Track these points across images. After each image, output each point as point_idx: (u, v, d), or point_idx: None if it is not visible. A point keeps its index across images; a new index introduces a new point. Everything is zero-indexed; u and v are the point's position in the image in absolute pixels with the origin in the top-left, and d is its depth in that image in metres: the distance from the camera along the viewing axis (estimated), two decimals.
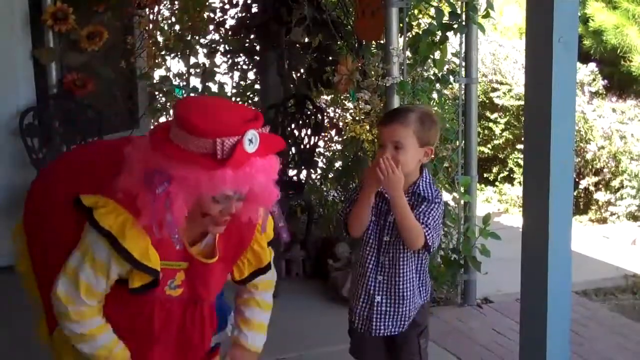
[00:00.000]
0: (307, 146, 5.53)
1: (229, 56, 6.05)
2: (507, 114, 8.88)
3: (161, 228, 2.30)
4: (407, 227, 2.94)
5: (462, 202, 4.95)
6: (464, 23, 4.82)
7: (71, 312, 2.42)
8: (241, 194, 2.34)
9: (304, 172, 5.73)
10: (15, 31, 5.40)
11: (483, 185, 8.87)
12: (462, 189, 4.88)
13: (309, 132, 5.52)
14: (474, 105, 5.02)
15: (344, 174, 5.73)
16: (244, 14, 6.07)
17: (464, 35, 4.88)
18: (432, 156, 3.04)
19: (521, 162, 8.40)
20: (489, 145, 8.98)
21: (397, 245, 3.03)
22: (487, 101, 8.96)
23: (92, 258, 2.38)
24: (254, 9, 6.01)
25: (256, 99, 6.35)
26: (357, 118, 4.78)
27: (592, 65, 8.88)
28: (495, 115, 8.95)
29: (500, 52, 9.21)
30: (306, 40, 5.83)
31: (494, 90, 8.92)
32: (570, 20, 3.41)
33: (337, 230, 5.77)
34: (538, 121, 3.45)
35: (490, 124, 8.95)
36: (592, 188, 8.06)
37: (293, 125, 5.66)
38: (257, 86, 6.31)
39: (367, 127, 4.74)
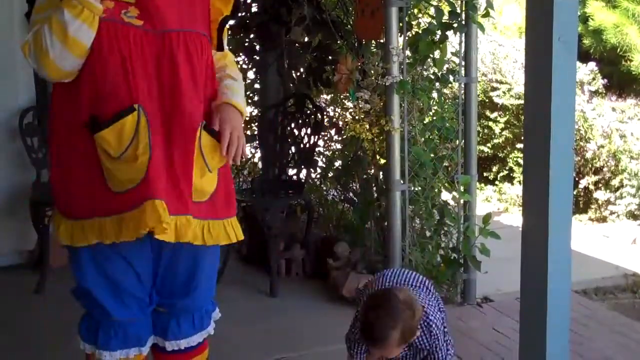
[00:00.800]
0: (307, 145, 5.52)
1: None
2: (507, 113, 8.88)
3: None
4: None
5: (461, 201, 4.95)
6: (463, 22, 4.82)
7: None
8: None
9: (304, 172, 5.72)
10: (15, 31, 5.40)
11: (483, 185, 8.88)
12: (461, 188, 4.88)
13: (308, 131, 5.52)
14: (474, 104, 5.01)
15: (344, 174, 5.73)
16: (243, 14, 6.07)
17: (463, 34, 4.88)
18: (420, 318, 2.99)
19: (521, 161, 8.40)
20: (488, 145, 8.99)
21: None
22: (487, 100, 8.97)
23: (41, 2, 2.50)
24: (254, 9, 6.01)
25: (256, 98, 6.35)
26: (356, 117, 4.77)
27: (592, 65, 8.88)
28: (495, 114, 8.95)
29: (500, 52, 9.21)
30: (306, 39, 5.84)
31: (494, 89, 8.92)
32: (570, 20, 3.41)
33: (337, 230, 5.78)
34: (538, 120, 3.45)
35: (490, 123, 8.95)
36: (591, 187, 8.05)
37: (293, 125, 5.66)
38: (256, 85, 6.30)
39: (367, 126, 4.73)
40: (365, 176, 5.42)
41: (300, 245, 5.50)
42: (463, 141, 4.98)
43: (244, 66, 6.16)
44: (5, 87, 5.40)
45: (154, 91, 2.54)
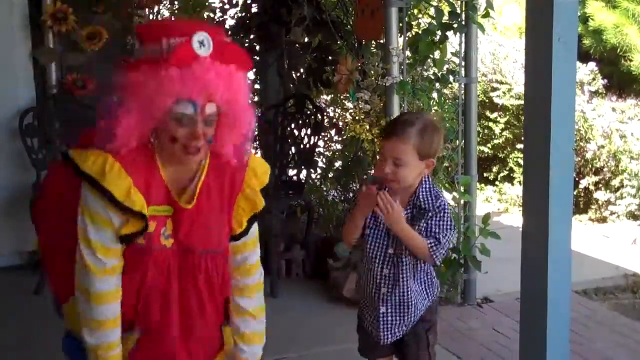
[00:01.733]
0: (307, 146, 5.52)
1: None
2: (507, 113, 8.87)
3: (113, 139, 2.24)
4: (413, 248, 2.93)
5: (462, 201, 4.95)
6: (463, 22, 4.82)
7: (96, 284, 2.35)
8: (203, 109, 2.23)
9: (304, 172, 5.72)
10: (15, 31, 5.41)
11: (483, 185, 8.87)
12: (462, 189, 4.88)
13: (308, 131, 5.51)
14: (474, 104, 5.02)
15: (344, 174, 5.73)
16: (243, 14, 6.07)
17: (463, 34, 4.88)
18: (434, 165, 2.97)
19: (521, 161, 8.38)
20: (488, 145, 8.98)
21: (400, 257, 2.99)
22: (487, 100, 8.96)
23: (89, 212, 2.31)
24: (254, 9, 6.01)
25: (256, 99, 6.34)
26: (356, 118, 4.78)
27: (592, 65, 8.88)
28: (495, 114, 8.94)
29: (500, 52, 9.21)
30: (306, 40, 5.84)
31: (494, 89, 8.92)
32: (570, 20, 3.43)
33: (337, 230, 5.78)
34: (538, 120, 3.46)
35: (490, 124, 8.94)
36: (592, 187, 8.05)
37: (293, 125, 5.65)
38: (256, 86, 6.30)
39: (367, 127, 4.73)
40: (365, 176, 5.42)
41: (300, 245, 5.50)
42: (463, 141, 4.98)
43: None
44: (6, 88, 5.40)
45: (168, 317, 2.49)
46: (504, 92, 8.82)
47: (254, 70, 6.15)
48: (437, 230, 2.92)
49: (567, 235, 3.50)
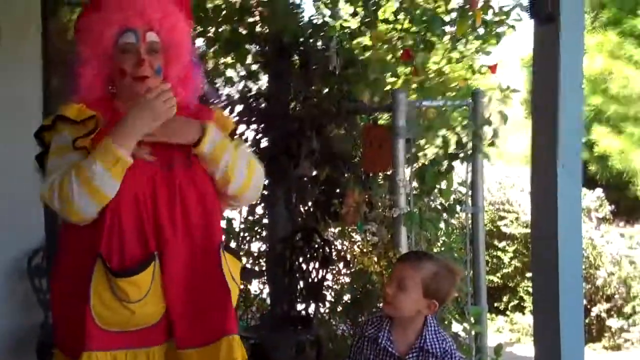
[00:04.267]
0: (315, 280, 5.48)
1: None
2: (515, 242, 8.87)
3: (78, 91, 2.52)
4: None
5: (473, 332, 4.87)
6: (469, 152, 4.86)
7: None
8: (144, 36, 2.49)
9: (312, 307, 5.65)
10: (30, 172, 5.42)
11: (494, 315, 8.76)
12: (472, 320, 4.82)
13: (316, 265, 5.48)
14: (481, 234, 5.02)
15: (353, 307, 5.66)
16: (254, 149, 6.13)
17: (470, 164, 4.91)
18: (435, 311, 2.87)
19: (531, 290, 8.34)
20: (498, 274, 8.92)
21: None
22: (495, 229, 8.96)
23: (54, 150, 2.50)
24: (264, 143, 6.07)
25: (264, 233, 6.33)
26: (364, 250, 4.77)
27: (599, 191, 8.93)
28: (503, 243, 8.93)
29: (506, 181, 9.27)
30: (314, 173, 5.88)
31: (502, 218, 8.94)
32: (573, 147, 3.45)
33: None
34: (545, 249, 3.44)
35: (499, 253, 8.92)
36: (604, 315, 7.96)
37: (301, 259, 5.63)
38: (265, 220, 6.30)
39: (375, 259, 4.72)
40: (374, 310, 5.35)
41: None
42: (472, 271, 4.95)
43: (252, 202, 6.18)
44: (15, 227, 5.39)
45: (168, 233, 2.51)
46: (511, 221, 8.84)
47: (262, 204, 6.17)
48: None
49: None
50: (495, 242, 8.94)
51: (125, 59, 2.48)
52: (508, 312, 8.90)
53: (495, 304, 8.87)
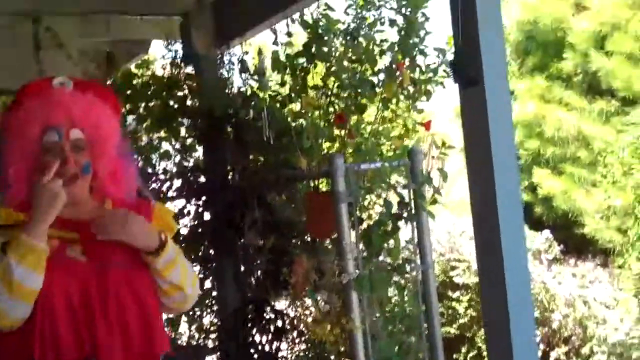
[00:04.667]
0: (270, 352, 5.40)
1: None
2: (469, 291, 8.84)
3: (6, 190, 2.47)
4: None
5: None
6: (413, 212, 4.84)
7: None
8: (67, 134, 2.46)
9: None
10: None
11: None
12: None
13: (269, 337, 5.41)
14: (433, 289, 4.97)
15: None
16: (195, 222, 6.06)
17: (415, 222, 4.89)
18: None
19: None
20: (454, 325, 8.86)
21: None
22: (447, 280, 8.94)
23: None
24: (207, 216, 6.02)
25: (215, 307, 6.24)
26: (317, 319, 4.70)
27: (547, 232, 8.97)
28: (457, 293, 8.89)
29: (454, 230, 9.28)
30: (260, 243, 5.82)
31: (453, 268, 8.92)
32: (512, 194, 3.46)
33: None
34: (494, 294, 3.43)
35: (453, 303, 8.87)
36: (563, 358, 7.94)
37: (254, 331, 5.55)
38: (214, 293, 6.21)
39: (328, 328, 4.65)
40: None
41: None
42: (426, 327, 4.90)
43: (201, 275, 6.09)
44: None
45: (103, 335, 2.42)
46: (463, 270, 8.81)
47: (210, 278, 6.09)
48: None
49: None
50: (449, 293, 8.91)
51: (50, 159, 2.42)
52: None
53: (455, 356, 8.81)
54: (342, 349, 4.76)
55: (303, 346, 5.93)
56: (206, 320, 6.11)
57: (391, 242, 4.86)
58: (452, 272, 8.88)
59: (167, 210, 2.80)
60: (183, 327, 6.14)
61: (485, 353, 8.52)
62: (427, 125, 5.26)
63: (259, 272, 5.86)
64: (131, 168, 2.68)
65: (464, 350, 8.91)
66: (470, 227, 8.99)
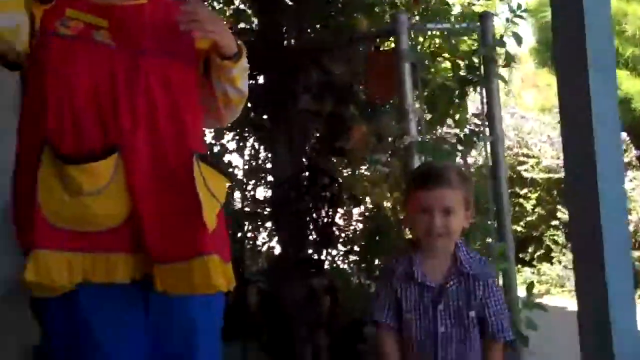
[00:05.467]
0: (325, 221, 5.14)
1: (237, 133, 5.72)
2: (538, 188, 8.48)
3: None
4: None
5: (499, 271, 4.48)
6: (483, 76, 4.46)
7: None
8: None
9: (324, 252, 5.32)
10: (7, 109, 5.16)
11: (519, 266, 8.40)
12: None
13: (325, 205, 5.14)
14: (502, 164, 4.63)
15: (367, 249, 5.31)
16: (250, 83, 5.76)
17: (484, 90, 4.52)
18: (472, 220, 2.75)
19: (558, 239, 7.99)
20: (521, 223, 8.53)
21: (460, 335, 2.70)
22: (515, 175, 8.56)
23: None
24: (260, 80, 5.71)
25: (270, 178, 5.97)
26: (374, 184, 4.41)
27: (623, 135, 8.52)
28: (525, 190, 8.54)
29: (524, 126, 8.86)
30: (316, 108, 5.52)
31: (521, 163, 8.54)
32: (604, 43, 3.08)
33: (364, 312, 5.33)
34: (584, 189, 3.09)
35: (521, 200, 8.53)
36: (637, 263, 7.58)
37: (307, 200, 5.28)
38: (268, 165, 5.94)
39: (388, 193, 4.36)
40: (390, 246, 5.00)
41: (325, 330, 5.05)
42: (495, 207, 4.57)
43: (255, 143, 5.82)
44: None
45: (128, 124, 2.16)
46: (532, 166, 8.44)
47: (263, 146, 5.81)
48: (498, 309, 2.71)
49: (632, 311, 3.07)
50: (517, 189, 8.56)
51: None
52: (535, 263, 8.52)
53: (521, 255, 8.49)
54: (402, 217, 4.46)
55: (360, 222, 5.68)
56: (260, 192, 5.85)
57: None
58: (520, 167, 8.51)
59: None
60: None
61: (554, 254, 8.25)
62: None
63: (314, 139, 5.57)
64: None
65: (531, 249, 8.60)
66: (539, 125, 8.69)
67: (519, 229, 8.43)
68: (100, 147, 2.12)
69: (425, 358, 2.70)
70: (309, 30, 5.40)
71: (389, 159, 4.39)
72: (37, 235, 2.11)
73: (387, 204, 4.39)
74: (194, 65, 2.35)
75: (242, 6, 5.83)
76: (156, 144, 2.18)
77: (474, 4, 4.77)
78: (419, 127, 4.31)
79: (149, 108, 2.18)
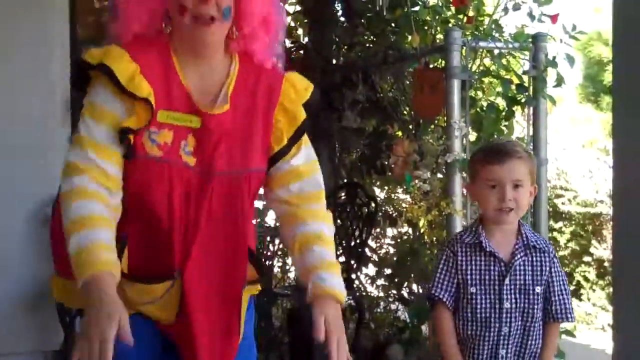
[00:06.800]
0: (358, 240, 5.07)
1: None
2: (573, 222, 8.35)
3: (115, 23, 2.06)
4: None
5: None
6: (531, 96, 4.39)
7: (74, 181, 1.97)
8: None
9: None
10: (55, 117, 5.14)
11: None
12: None
13: (360, 224, 5.07)
14: (544, 189, 4.59)
15: (398, 270, 5.24)
16: None
17: (531, 109, 4.44)
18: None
19: (589, 275, 7.87)
20: None
21: (525, 311, 2.70)
22: (551, 208, 8.45)
23: (91, 106, 2.02)
24: None
25: None
26: (413, 201, 4.34)
27: None
28: (560, 224, 8.42)
29: (563, 157, 8.75)
30: (360, 125, 5.47)
31: (558, 196, 8.43)
32: None
33: (390, 332, 5.25)
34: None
35: (555, 234, 8.41)
36: None
37: (344, 217, 5.22)
38: None
39: (425, 210, 4.28)
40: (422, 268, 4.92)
41: (350, 349, 4.96)
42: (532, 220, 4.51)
43: None
44: (39, 173, 5.09)
45: (193, 252, 2.09)
46: (569, 200, 8.32)
47: None
48: (562, 289, 2.74)
49: None
50: (551, 223, 8.43)
51: None
52: None
53: None
54: (437, 237, 4.38)
55: (392, 242, 5.59)
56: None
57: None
58: (557, 200, 8.39)
59: (300, 79, 2.24)
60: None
61: (583, 290, 8.11)
62: (554, 18, 4.83)
63: (355, 155, 5.53)
64: (281, 22, 2.21)
65: None
66: (579, 161, 8.57)
67: None
68: (164, 273, 2.08)
69: (488, 336, 2.69)
70: (358, 47, 5.32)
71: (429, 177, 4.29)
72: (63, 268, 2.08)
73: (423, 218, 4.29)
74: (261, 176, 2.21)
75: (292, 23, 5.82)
76: (212, 266, 2.13)
77: (527, 26, 4.66)
78: (464, 145, 4.26)
79: (211, 231, 2.10)
